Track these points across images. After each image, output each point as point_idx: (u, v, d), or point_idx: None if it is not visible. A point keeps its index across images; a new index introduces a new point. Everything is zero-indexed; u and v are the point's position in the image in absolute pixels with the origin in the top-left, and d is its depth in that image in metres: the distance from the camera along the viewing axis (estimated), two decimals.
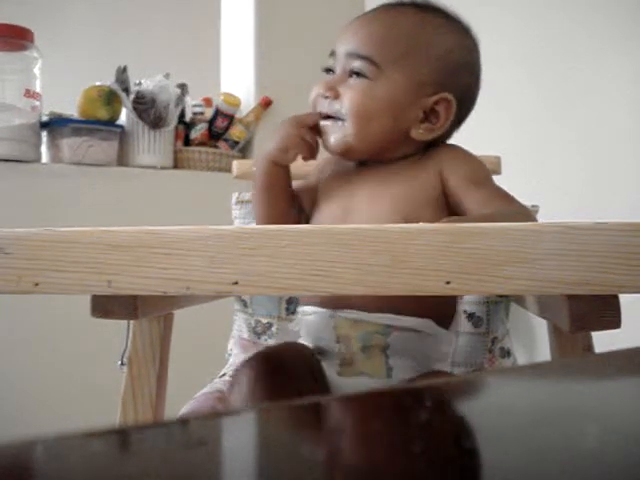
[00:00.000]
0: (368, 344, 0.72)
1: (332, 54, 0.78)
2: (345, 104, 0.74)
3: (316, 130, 0.76)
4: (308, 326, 0.78)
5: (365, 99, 0.73)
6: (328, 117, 0.75)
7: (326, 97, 0.75)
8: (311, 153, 0.77)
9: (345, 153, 0.77)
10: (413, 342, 0.73)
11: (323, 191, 0.81)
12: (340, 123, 0.74)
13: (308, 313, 0.77)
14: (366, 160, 0.78)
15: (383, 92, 0.74)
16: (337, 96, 0.74)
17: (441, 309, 0.77)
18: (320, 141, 0.78)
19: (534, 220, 0.72)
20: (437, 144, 0.80)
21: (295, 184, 0.82)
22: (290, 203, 0.81)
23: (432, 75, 0.75)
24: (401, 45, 0.75)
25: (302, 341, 0.81)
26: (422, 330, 0.73)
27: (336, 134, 0.75)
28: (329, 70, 0.78)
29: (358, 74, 0.74)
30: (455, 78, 0.76)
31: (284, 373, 0.69)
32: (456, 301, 0.83)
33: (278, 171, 0.78)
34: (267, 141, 0.79)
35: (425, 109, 0.75)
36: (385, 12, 0.78)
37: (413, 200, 0.73)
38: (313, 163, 0.82)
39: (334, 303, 0.73)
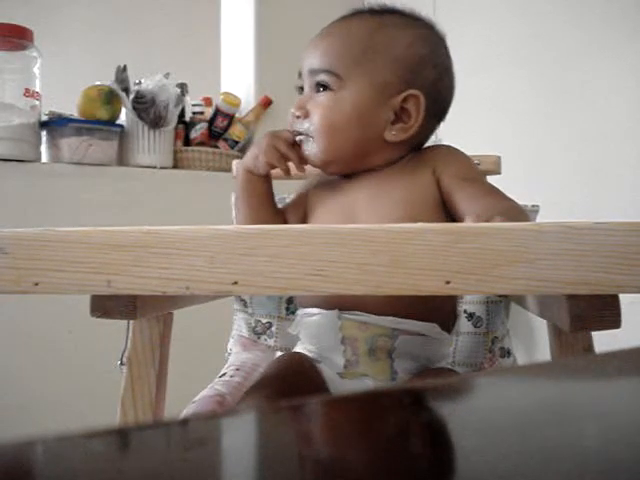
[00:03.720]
0: (374, 347, 0.72)
1: (300, 74, 0.78)
2: (313, 121, 0.74)
3: (296, 146, 0.76)
4: (310, 328, 0.78)
5: (330, 112, 0.74)
6: (300, 134, 0.76)
7: (298, 117, 0.76)
8: (284, 163, 0.76)
9: (324, 167, 0.78)
10: (419, 346, 0.74)
11: (316, 204, 0.81)
12: (310, 140, 0.75)
13: (311, 314, 0.77)
14: (347, 172, 0.78)
15: (347, 101, 0.74)
16: (307, 115, 0.75)
17: (445, 313, 0.78)
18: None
19: (525, 214, 0.72)
20: (423, 144, 0.80)
21: (281, 204, 0.83)
22: (273, 216, 0.81)
23: (395, 74, 0.74)
24: (358, 51, 0.74)
25: (301, 344, 0.81)
26: (428, 334, 0.74)
27: (309, 151, 0.75)
28: (301, 89, 0.79)
29: (324, 88, 0.74)
30: (419, 73, 0.75)
31: (289, 395, 0.68)
32: (456, 306, 0.84)
33: (254, 180, 0.79)
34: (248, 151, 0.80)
35: (395, 109, 0.74)
36: (341, 23, 0.79)
37: (413, 202, 0.73)
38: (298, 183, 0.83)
39: (340, 304, 0.73)
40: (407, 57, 0.75)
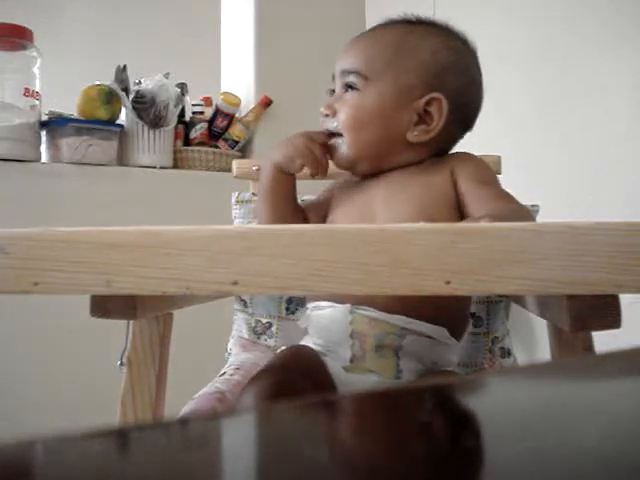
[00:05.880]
0: (382, 343, 0.73)
1: (333, 77, 0.82)
2: (340, 119, 0.78)
3: (326, 149, 0.79)
4: (320, 320, 0.79)
5: (354, 110, 0.77)
6: (332, 135, 0.79)
7: (327, 115, 0.79)
8: (317, 167, 0.79)
9: (350, 166, 0.81)
10: (425, 348, 0.75)
11: (337, 203, 0.84)
12: (340, 139, 0.78)
13: (322, 308, 0.78)
14: (373, 171, 0.81)
15: (371, 100, 0.77)
16: (334, 113, 0.79)
17: (456, 320, 0.80)
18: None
19: (532, 219, 0.75)
20: (446, 150, 0.83)
21: (303, 203, 0.87)
22: (294, 213, 0.83)
23: (419, 78, 0.77)
24: (386, 54, 0.78)
25: (309, 338, 0.82)
26: (436, 337, 0.75)
27: (339, 150, 0.79)
28: (333, 91, 0.83)
29: (351, 88, 0.78)
30: (443, 78, 0.78)
31: (291, 391, 0.69)
32: (468, 313, 0.85)
33: (283, 178, 0.81)
34: (272, 148, 0.82)
35: (418, 112, 0.77)
36: (374, 29, 0.82)
37: (429, 201, 0.76)
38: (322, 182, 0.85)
39: (352, 299, 0.74)
40: (432, 62, 0.78)
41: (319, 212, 0.85)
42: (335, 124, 0.78)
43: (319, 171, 0.79)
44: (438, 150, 0.81)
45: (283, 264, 0.42)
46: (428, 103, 0.77)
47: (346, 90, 0.79)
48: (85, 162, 1.67)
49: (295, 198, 0.84)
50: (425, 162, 0.80)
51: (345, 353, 0.75)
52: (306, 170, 0.80)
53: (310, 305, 0.82)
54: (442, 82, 0.77)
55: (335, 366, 0.76)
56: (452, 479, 0.19)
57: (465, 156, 0.80)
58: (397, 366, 0.74)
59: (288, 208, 0.83)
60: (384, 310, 0.73)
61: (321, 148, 0.79)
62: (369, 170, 0.81)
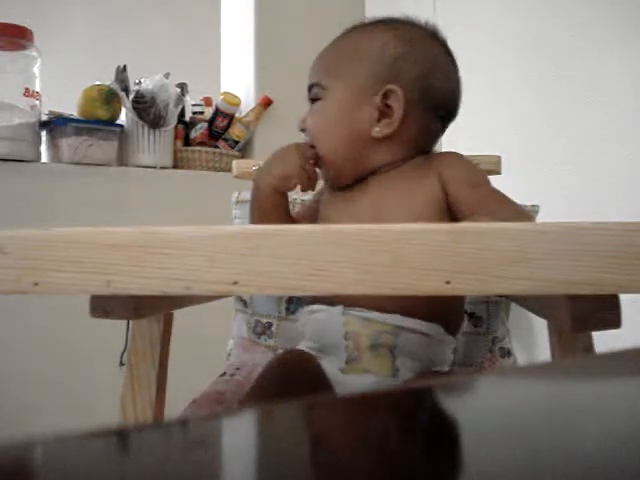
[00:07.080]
0: (377, 343, 0.73)
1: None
2: (309, 131, 0.81)
3: (315, 163, 0.80)
4: (314, 323, 0.79)
5: (316, 119, 0.80)
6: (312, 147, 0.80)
7: (302, 130, 0.82)
8: (310, 184, 0.79)
9: (335, 179, 0.81)
10: (421, 345, 0.74)
11: (325, 214, 0.84)
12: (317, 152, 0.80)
13: (316, 311, 0.78)
14: (355, 176, 0.80)
15: (331, 107, 0.79)
16: (305, 127, 0.81)
17: (450, 316, 0.79)
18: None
19: (531, 219, 0.74)
20: (427, 143, 0.82)
21: (294, 212, 0.87)
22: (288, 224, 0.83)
23: (372, 74, 0.77)
24: (340, 60, 0.80)
25: (305, 342, 0.81)
26: (430, 334, 0.74)
27: (321, 166, 0.80)
28: None
29: (317, 99, 0.80)
30: (398, 70, 0.77)
31: (291, 392, 0.68)
32: (463, 309, 0.84)
33: (277, 197, 0.81)
34: (265, 163, 0.82)
35: (378, 107, 0.77)
36: (335, 39, 0.83)
37: (418, 207, 0.75)
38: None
39: (344, 301, 0.74)
40: (383, 56, 0.77)
41: (310, 221, 0.85)
42: (308, 137, 0.80)
43: (311, 187, 0.80)
44: (418, 146, 0.80)
45: (283, 264, 0.42)
46: (385, 96, 0.76)
47: (314, 103, 0.81)
48: (85, 162, 1.67)
49: (288, 210, 0.84)
50: (411, 163, 0.78)
51: (340, 355, 0.75)
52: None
53: (305, 308, 0.82)
54: (397, 73, 0.77)
55: (331, 368, 0.75)
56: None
57: (451, 157, 0.78)
58: (393, 365, 0.73)
59: (282, 222, 0.82)
60: (377, 310, 0.73)
61: (313, 167, 0.79)
62: (350, 176, 0.80)
